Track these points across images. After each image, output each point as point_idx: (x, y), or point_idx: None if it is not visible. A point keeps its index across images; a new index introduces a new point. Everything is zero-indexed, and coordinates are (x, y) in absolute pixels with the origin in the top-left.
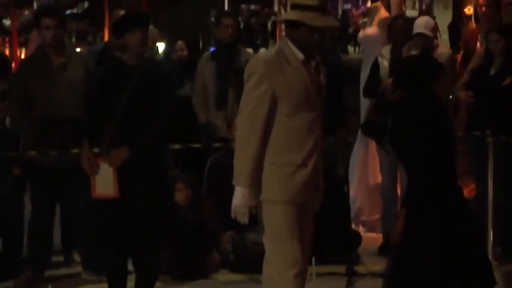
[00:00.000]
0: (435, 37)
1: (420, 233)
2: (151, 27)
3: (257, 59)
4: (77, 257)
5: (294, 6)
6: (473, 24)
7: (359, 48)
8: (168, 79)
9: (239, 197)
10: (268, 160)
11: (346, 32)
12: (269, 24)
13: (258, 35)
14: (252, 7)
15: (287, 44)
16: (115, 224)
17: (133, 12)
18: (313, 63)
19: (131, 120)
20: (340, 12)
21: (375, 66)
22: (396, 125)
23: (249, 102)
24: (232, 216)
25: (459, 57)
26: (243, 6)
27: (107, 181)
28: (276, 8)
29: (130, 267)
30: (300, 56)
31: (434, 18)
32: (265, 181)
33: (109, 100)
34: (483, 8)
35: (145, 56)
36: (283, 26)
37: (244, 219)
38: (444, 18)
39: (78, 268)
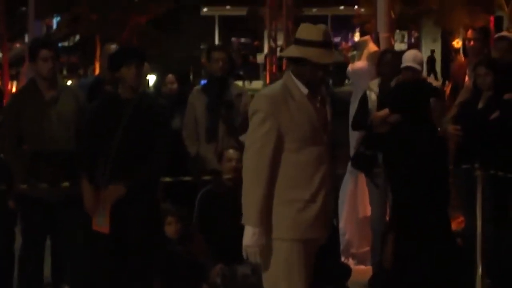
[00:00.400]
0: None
1: (408, 256)
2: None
3: (261, 96)
4: None
5: (298, 42)
6: (461, 57)
7: (348, 81)
8: (162, 114)
9: (250, 237)
10: (276, 197)
11: (341, 66)
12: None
13: (240, 67)
14: (243, 40)
15: (291, 79)
16: (106, 259)
17: (129, 46)
18: (318, 97)
19: (126, 155)
20: None
21: (364, 99)
22: (389, 149)
23: (255, 140)
24: (244, 256)
25: (447, 90)
26: (234, 39)
27: (101, 215)
28: (266, 41)
29: None
30: (305, 90)
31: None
32: (274, 219)
33: (104, 134)
34: (472, 42)
35: (139, 90)
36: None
37: (255, 258)
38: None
39: None
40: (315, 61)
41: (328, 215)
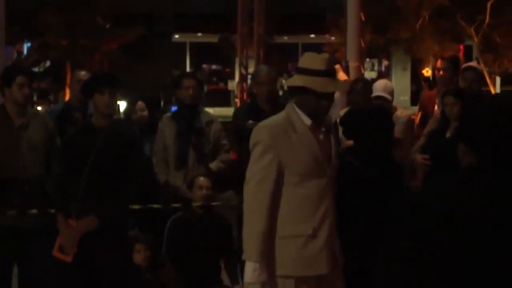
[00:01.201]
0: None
1: None
2: None
3: (261, 127)
4: None
5: (301, 71)
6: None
7: None
8: (135, 143)
9: (251, 273)
10: (278, 232)
11: None
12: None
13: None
14: (214, 66)
15: (294, 110)
16: None
17: (103, 72)
18: (322, 128)
19: (98, 183)
20: None
21: (335, 128)
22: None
23: (256, 172)
24: None
25: (417, 119)
26: (205, 65)
27: (68, 244)
28: (237, 68)
29: None
30: (308, 122)
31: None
32: (277, 255)
33: (76, 164)
34: (441, 72)
35: (113, 118)
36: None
37: None
38: (403, 79)
39: None
40: (319, 91)
41: (332, 250)
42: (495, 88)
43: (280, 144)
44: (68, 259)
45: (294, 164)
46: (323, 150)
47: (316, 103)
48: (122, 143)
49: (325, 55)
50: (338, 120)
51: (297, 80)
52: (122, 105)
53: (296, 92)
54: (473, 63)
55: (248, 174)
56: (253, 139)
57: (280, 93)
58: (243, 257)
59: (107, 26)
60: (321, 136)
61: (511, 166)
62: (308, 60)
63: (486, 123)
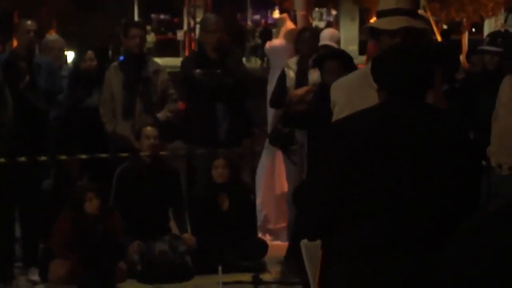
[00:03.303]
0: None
1: None
2: (56, 36)
3: (337, 87)
4: None
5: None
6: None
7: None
8: None
9: None
10: None
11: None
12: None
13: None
14: (162, 16)
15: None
16: None
17: None
18: None
19: None
20: (249, 23)
21: (282, 77)
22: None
23: None
24: None
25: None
26: (153, 15)
27: None
28: (185, 18)
29: None
30: None
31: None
32: None
33: None
34: None
35: None
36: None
37: None
38: (351, 30)
39: None
40: (388, 28)
41: None
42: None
43: (355, 102)
44: None
45: None
46: None
47: (383, 45)
48: None
49: None
50: (285, 69)
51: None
52: (70, 55)
53: (374, 40)
54: (420, 11)
55: None
56: (331, 98)
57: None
58: None
59: None
60: None
61: (411, 99)
62: (380, 2)
63: (389, 66)
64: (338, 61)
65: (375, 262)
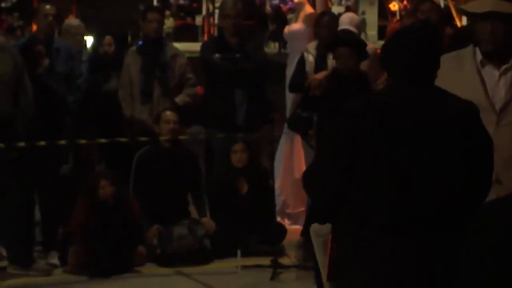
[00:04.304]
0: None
1: None
2: (77, 21)
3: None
4: (3, 251)
5: None
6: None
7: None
8: None
9: None
10: None
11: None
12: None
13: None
14: (181, 1)
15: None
16: None
17: None
18: (502, 66)
19: None
20: (269, 8)
21: (301, 61)
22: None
23: None
24: None
25: None
26: (172, 0)
27: None
28: (204, 3)
29: None
30: (478, 57)
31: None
32: None
33: None
34: (405, 2)
35: None
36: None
37: None
38: (370, 14)
39: (4, 263)
40: (469, 11)
41: None
42: (462, 22)
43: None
44: None
45: None
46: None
47: (478, 31)
48: None
49: None
50: (304, 53)
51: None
52: (90, 40)
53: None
54: None
55: None
56: None
57: None
58: None
59: None
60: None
61: (419, 83)
62: None
63: (392, 52)
64: (350, 48)
65: (383, 245)
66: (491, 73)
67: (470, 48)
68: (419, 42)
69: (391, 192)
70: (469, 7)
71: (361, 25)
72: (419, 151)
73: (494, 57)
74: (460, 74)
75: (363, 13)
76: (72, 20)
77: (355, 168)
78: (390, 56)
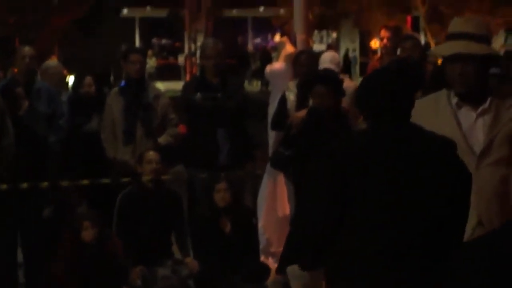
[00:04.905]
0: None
1: None
2: (55, 62)
3: None
4: None
5: None
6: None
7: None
8: None
9: None
10: None
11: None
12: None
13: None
14: (163, 41)
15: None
16: None
17: None
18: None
19: None
20: (250, 46)
21: (283, 99)
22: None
23: None
24: None
25: None
26: (155, 40)
27: None
28: (186, 43)
29: None
30: (453, 100)
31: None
32: None
33: None
34: (384, 41)
35: None
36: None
37: None
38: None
39: None
40: (437, 54)
41: None
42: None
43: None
44: None
45: None
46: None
47: (448, 72)
48: None
49: (469, 17)
50: (286, 92)
51: None
52: (72, 80)
53: None
54: (411, 33)
55: None
56: None
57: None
58: None
59: (56, 1)
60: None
61: (396, 121)
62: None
63: (368, 93)
64: (327, 86)
65: (376, 280)
66: (467, 115)
67: (445, 90)
68: (392, 83)
69: (380, 230)
70: (439, 49)
71: (351, 62)
72: (403, 187)
73: (468, 99)
74: (436, 118)
75: (354, 50)
76: (50, 61)
77: (343, 210)
78: (365, 97)
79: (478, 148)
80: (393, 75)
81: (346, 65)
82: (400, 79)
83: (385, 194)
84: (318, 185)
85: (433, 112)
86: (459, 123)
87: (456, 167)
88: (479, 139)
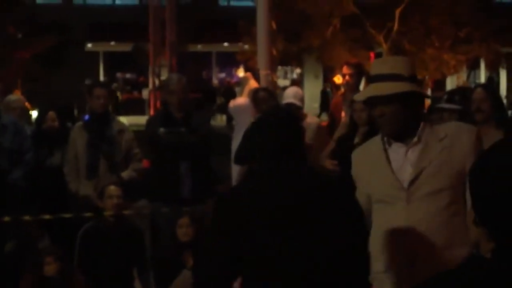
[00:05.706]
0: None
1: None
2: (17, 96)
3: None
4: None
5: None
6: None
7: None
8: None
9: None
10: None
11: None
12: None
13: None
14: (128, 75)
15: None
16: None
17: None
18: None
19: None
20: (216, 81)
21: (247, 134)
22: None
23: None
24: None
25: (326, 125)
26: (119, 74)
27: None
28: (150, 77)
29: None
30: (378, 141)
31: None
32: None
33: None
34: (346, 77)
35: None
36: None
37: None
38: (314, 88)
39: None
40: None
41: None
42: None
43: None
44: None
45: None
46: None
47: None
48: None
49: (388, 57)
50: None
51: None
52: (34, 114)
53: None
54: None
55: None
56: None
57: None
58: None
59: (19, 35)
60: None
61: (288, 163)
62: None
63: (257, 137)
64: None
65: None
66: (397, 150)
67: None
68: (278, 126)
69: (276, 275)
70: (357, 96)
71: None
72: (300, 230)
73: (398, 137)
74: (369, 157)
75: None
76: (11, 95)
77: (241, 254)
78: (255, 141)
79: (407, 182)
80: (275, 119)
81: (325, 102)
82: (282, 123)
83: (279, 239)
84: (215, 234)
85: (367, 155)
86: (388, 159)
87: (349, 204)
88: (409, 173)
